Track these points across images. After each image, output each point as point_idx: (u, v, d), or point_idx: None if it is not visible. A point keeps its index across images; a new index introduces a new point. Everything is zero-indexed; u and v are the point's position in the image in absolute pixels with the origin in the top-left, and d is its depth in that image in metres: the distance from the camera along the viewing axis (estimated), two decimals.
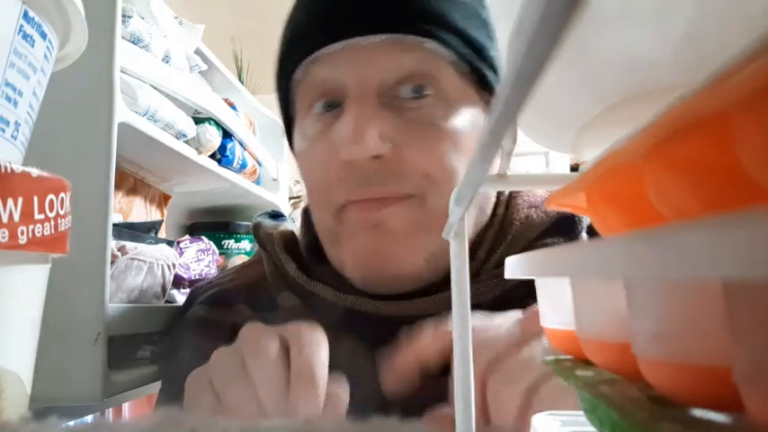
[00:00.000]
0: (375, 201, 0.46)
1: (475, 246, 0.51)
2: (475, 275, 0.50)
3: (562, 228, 0.51)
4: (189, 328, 0.55)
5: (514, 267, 0.20)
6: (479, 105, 0.49)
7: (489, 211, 0.53)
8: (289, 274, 0.54)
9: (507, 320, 0.38)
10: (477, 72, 0.48)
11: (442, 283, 0.48)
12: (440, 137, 0.46)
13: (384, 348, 0.47)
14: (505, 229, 0.52)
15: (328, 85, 0.47)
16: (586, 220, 0.52)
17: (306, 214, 0.57)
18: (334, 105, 0.48)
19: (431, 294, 0.48)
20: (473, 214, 0.51)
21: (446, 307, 0.47)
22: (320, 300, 0.51)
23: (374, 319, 0.48)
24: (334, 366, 0.41)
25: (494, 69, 0.49)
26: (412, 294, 0.48)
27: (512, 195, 0.55)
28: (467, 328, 0.25)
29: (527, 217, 0.52)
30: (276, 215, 0.65)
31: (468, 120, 0.48)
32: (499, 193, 0.55)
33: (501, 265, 0.50)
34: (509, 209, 0.53)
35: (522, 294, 0.47)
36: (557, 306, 0.21)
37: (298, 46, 0.48)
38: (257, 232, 0.60)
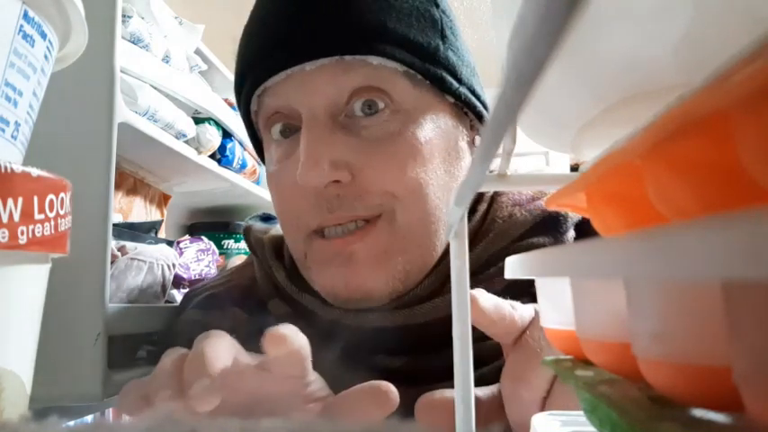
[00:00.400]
0: (346, 236, 0.46)
1: None
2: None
3: (547, 226, 0.50)
4: (182, 332, 0.55)
5: (514, 267, 0.20)
6: (439, 109, 0.48)
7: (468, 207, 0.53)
8: (277, 282, 0.54)
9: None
10: (431, 76, 0.47)
11: (424, 294, 0.48)
12: (398, 152, 0.45)
13: (372, 356, 0.47)
14: (487, 227, 0.51)
15: (282, 112, 0.48)
16: (573, 219, 0.51)
17: None
18: (292, 129, 0.48)
19: (412, 305, 0.47)
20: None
21: (431, 316, 0.47)
22: (307, 310, 0.51)
23: (360, 330, 0.48)
24: (326, 376, 0.40)
25: (449, 70, 0.48)
26: (396, 306, 0.48)
27: (496, 193, 0.54)
28: (467, 328, 0.25)
29: (510, 215, 0.52)
30: (267, 217, 0.65)
31: (428, 128, 0.47)
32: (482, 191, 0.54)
33: (480, 265, 0.49)
34: (492, 206, 0.53)
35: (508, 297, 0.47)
36: (557, 306, 0.21)
37: (246, 80, 0.49)
38: (248, 236, 0.60)
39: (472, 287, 0.47)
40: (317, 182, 0.44)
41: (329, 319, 0.50)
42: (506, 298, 0.45)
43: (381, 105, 0.46)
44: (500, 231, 0.50)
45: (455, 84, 0.48)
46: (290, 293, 0.52)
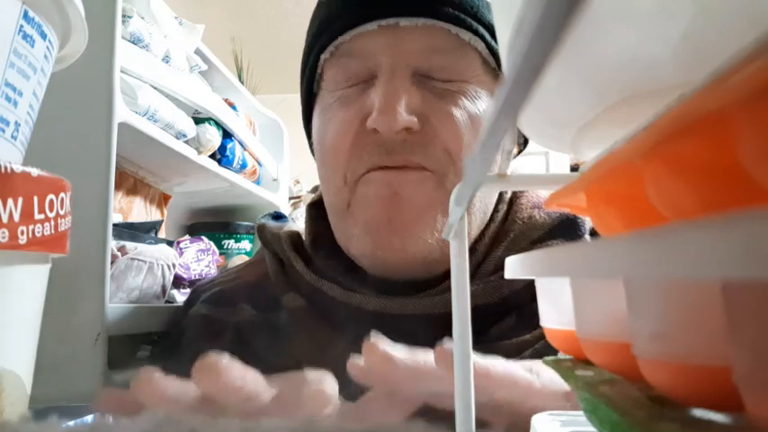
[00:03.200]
0: (396, 169, 0.47)
1: (474, 244, 0.51)
2: (472, 275, 0.50)
3: (565, 229, 0.51)
4: (191, 327, 0.55)
5: (514, 267, 0.20)
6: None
7: (489, 215, 0.53)
8: (295, 274, 0.54)
9: None
10: (501, 68, 0.49)
11: (447, 283, 0.48)
12: (463, 117, 0.47)
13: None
14: (507, 229, 0.52)
15: (361, 61, 0.49)
16: (589, 222, 0.52)
17: (311, 209, 0.58)
18: (358, 81, 0.49)
19: (436, 294, 0.48)
20: (478, 217, 0.51)
21: (451, 307, 0.46)
22: (327, 299, 0.51)
23: (381, 318, 0.48)
24: (340, 368, 0.40)
25: None
26: (417, 291, 0.48)
27: (515, 194, 0.55)
28: (467, 328, 0.25)
29: (530, 217, 0.53)
30: (278, 216, 0.65)
31: (484, 108, 0.49)
32: (502, 192, 0.55)
33: (500, 266, 0.50)
34: (512, 207, 0.54)
35: (524, 300, 0.47)
36: (557, 306, 0.21)
37: (331, 26, 0.50)
38: (262, 232, 0.60)
39: (494, 282, 0.48)
40: (392, 125, 0.45)
41: (349, 305, 0.50)
42: (526, 297, 0.45)
43: (456, 77, 0.48)
44: (519, 233, 0.51)
45: None
46: (310, 281, 0.52)
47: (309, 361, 0.39)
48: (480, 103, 0.49)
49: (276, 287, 0.55)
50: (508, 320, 0.48)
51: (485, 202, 0.52)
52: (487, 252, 0.51)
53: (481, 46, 0.48)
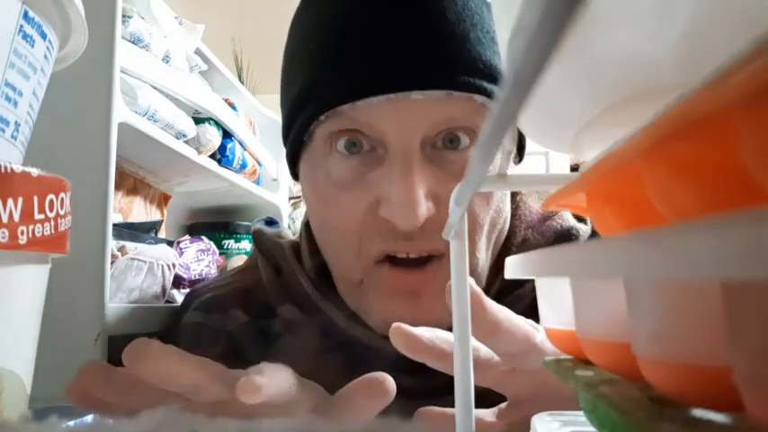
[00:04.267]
0: (418, 270, 0.45)
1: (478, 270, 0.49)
2: None
3: None
4: (184, 335, 0.55)
5: (514, 267, 0.20)
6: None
7: (507, 217, 0.51)
8: (294, 286, 0.53)
9: None
10: None
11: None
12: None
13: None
14: (504, 257, 0.50)
15: (365, 130, 0.45)
16: (585, 235, 0.51)
17: (309, 234, 0.54)
18: (359, 146, 0.45)
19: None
20: (498, 220, 0.49)
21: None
22: (327, 319, 0.50)
23: (379, 352, 0.47)
24: (333, 387, 0.40)
25: None
26: None
27: (511, 215, 0.53)
28: (467, 330, 0.25)
29: (524, 241, 0.51)
30: (271, 221, 0.64)
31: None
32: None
33: (499, 298, 0.49)
34: (509, 232, 0.52)
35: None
36: (557, 306, 0.21)
37: (334, 88, 0.44)
38: (260, 239, 0.59)
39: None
40: (417, 223, 0.42)
41: (347, 333, 0.49)
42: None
43: (466, 142, 0.45)
44: None
45: None
46: (315, 300, 0.51)
47: (304, 375, 0.40)
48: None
49: (270, 296, 0.55)
50: None
51: (497, 205, 0.49)
52: (488, 284, 0.50)
53: (491, 103, 0.45)
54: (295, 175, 0.54)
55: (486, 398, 0.37)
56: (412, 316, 0.45)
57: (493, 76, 0.44)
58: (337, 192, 0.46)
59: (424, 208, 0.42)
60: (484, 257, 0.49)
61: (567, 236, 0.51)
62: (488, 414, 0.39)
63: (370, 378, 0.36)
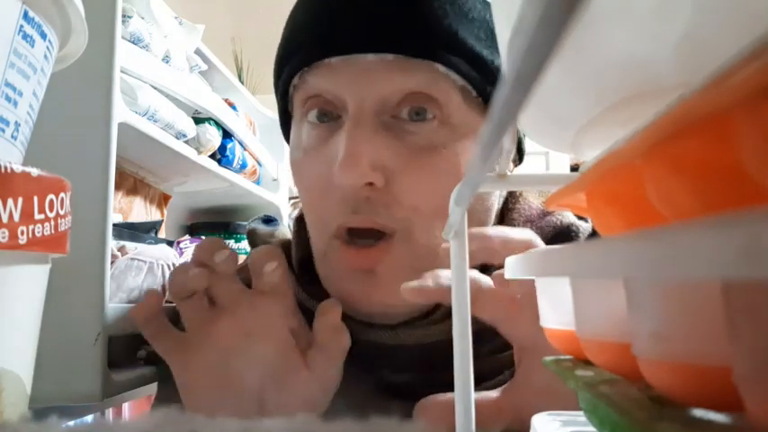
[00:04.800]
0: (368, 249, 0.45)
1: None
2: None
3: (559, 243, 0.50)
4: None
5: (514, 267, 0.20)
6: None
7: (494, 215, 0.51)
8: None
9: None
10: (485, 95, 0.45)
11: (438, 311, 0.47)
12: (438, 166, 0.44)
13: (377, 370, 0.47)
14: None
15: (326, 96, 0.45)
16: (585, 232, 0.51)
17: (298, 224, 0.55)
18: (330, 116, 0.46)
19: (428, 323, 0.47)
20: (483, 219, 0.49)
21: (444, 335, 0.46)
22: (313, 317, 0.50)
23: (368, 344, 0.47)
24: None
25: None
26: (408, 322, 0.47)
27: (506, 208, 0.53)
28: (467, 328, 0.25)
29: None
30: (269, 220, 0.64)
31: (469, 147, 0.46)
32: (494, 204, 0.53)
33: None
34: (504, 224, 0.52)
35: None
36: (557, 306, 0.21)
37: (297, 52, 0.46)
38: (253, 239, 0.59)
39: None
40: (354, 182, 0.42)
41: None
42: None
43: (431, 115, 0.44)
44: None
45: None
46: (301, 300, 0.51)
47: None
48: (462, 145, 0.45)
49: None
50: (496, 341, 0.47)
51: (482, 218, 0.49)
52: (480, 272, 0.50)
53: (456, 77, 0.43)
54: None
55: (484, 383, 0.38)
56: (367, 295, 0.46)
57: (457, 47, 0.43)
58: (303, 158, 0.48)
59: (365, 167, 0.42)
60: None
61: (566, 232, 0.50)
62: (493, 393, 0.39)
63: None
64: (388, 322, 0.47)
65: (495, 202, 0.52)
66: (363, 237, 0.45)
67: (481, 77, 0.45)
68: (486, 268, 0.50)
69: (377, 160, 0.43)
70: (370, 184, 0.43)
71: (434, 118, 0.44)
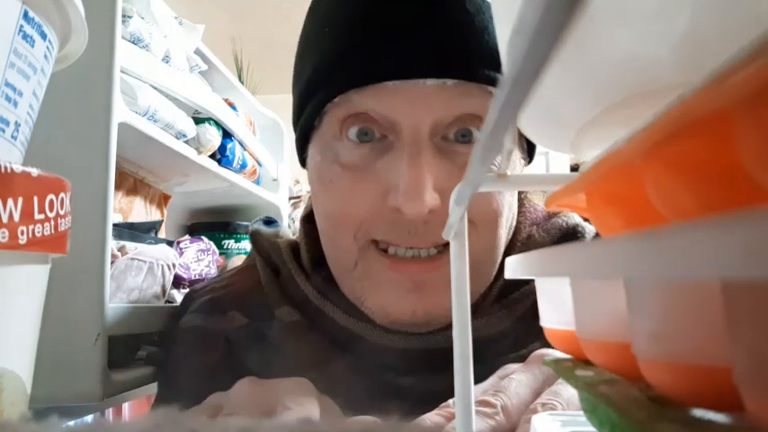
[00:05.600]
0: (421, 262, 0.44)
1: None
2: (476, 306, 0.48)
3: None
4: (183, 338, 0.55)
5: (514, 267, 0.20)
6: (522, 143, 0.48)
7: (515, 215, 0.51)
8: (293, 287, 0.53)
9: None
10: None
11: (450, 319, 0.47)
12: None
13: (386, 374, 0.47)
14: (508, 253, 0.50)
15: (375, 116, 0.44)
16: (590, 234, 0.51)
17: (306, 225, 0.55)
18: (371, 135, 0.45)
19: (440, 330, 0.47)
20: (507, 216, 0.49)
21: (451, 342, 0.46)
22: (327, 319, 0.50)
23: (382, 348, 0.47)
24: (334, 389, 0.40)
25: None
26: (430, 331, 0.47)
27: (517, 211, 0.53)
28: (467, 328, 0.25)
29: (528, 237, 0.51)
30: (270, 221, 0.64)
31: (515, 162, 0.46)
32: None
33: (502, 295, 0.49)
34: (514, 229, 0.52)
35: (535, 328, 0.46)
36: (557, 306, 0.21)
37: (349, 70, 0.44)
38: (257, 240, 0.58)
39: (497, 313, 0.47)
40: (421, 211, 0.42)
41: (348, 331, 0.49)
42: (530, 319, 0.44)
43: (477, 135, 0.44)
44: None
45: None
46: (313, 299, 0.51)
47: (307, 377, 0.40)
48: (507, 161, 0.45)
49: (269, 297, 0.54)
50: (503, 343, 0.47)
51: (509, 201, 0.48)
52: (492, 281, 0.50)
53: None
54: (302, 160, 0.53)
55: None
56: (413, 308, 0.45)
57: (499, 64, 0.44)
58: (344, 174, 0.46)
59: (431, 196, 0.42)
60: (501, 249, 0.49)
61: (572, 233, 0.51)
62: None
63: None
64: (420, 331, 0.47)
65: (515, 204, 0.51)
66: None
67: None
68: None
69: (436, 185, 0.43)
70: (430, 211, 0.43)
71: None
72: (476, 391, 0.35)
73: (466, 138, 0.45)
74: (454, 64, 0.42)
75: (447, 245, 0.44)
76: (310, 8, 0.51)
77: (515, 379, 0.35)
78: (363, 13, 0.45)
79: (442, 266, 0.44)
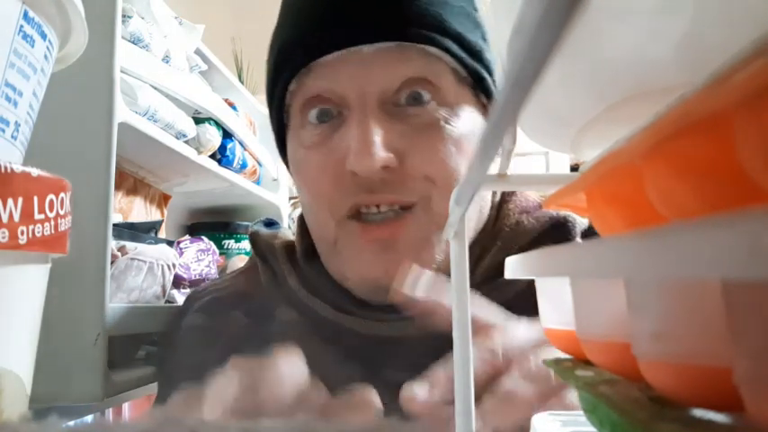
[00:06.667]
0: (387, 222, 0.46)
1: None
2: None
3: (554, 234, 0.50)
4: (184, 338, 0.55)
5: (515, 267, 0.20)
6: (477, 108, 0.49)
7: (486, 213, 0.52)
8: (288, 287, 0.53)
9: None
10: (475, 75, 0.48)
11: None
12: (442, 140, 0.46)
13: (381, 369, 0.47)
14: (494, 236, 0.51)
15: (326, 95, 0.47)
16: (581, 225, 0.51)
17: (302, 221, 0.56)
18: (329, 115, 0.47)
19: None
20: (473, 217, 0.50)
21: (444, 328, 0.46)
22: (318, 316, 0.51)
23: (372, 339, 0.48)
24: (327, 385, 0.41)
25: (489, 71, 0.49)
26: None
27: (503, 200, 0.54)
28: (467, 329, 0.25)
29: (517, 223, 0.51)
30: (271, 222, 0.64)
31: (468, 123, 0.47)
32: (492, 196, 0.54)
33: (489, 275, 0.49)
34: (499, 213, 0.53)
35: (521, 309, 0.46)
36: (557, 306, 0.21)
37: (293, 56, 0.47)
38: (256, 241, 0.59)
39: (481, 296, 0.47)
40: (372, 167, 0.44)
41: (340, 326, 0.49)
42: (517, 305, 0.44)
43: (427, 97, 0.46)
44: (507, 239, 0.50)
45: (492, 85, 0.49)
46: (302, 298, 0.52)
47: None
48: (461, 121, 0.47)
49: (269, 297, 0.55)
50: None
51: (479, 205, 0.51)
52: (475, 262, 0.50)
53: (449, 59, 0.46)
54: (287, 164, 0.55)
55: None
56: (385, 267, 0.46)
57: (445, 31, 0.45)
58: (308, 155, 0.48)
59: (381, 152, 0.43)
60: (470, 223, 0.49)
61: (562, 222, 0.51)
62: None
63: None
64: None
65: (488, 205, 0.53)
66: (378, 216, 0.46)
67: (470, 57, 0.47)
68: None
69: (388, 144, 0.44)
70: (385, 167, 0.44)
71: (432, 99, 0.46)
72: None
73: (417, 101, 0.46)
74: (386, 27, 0.44)
75: (409, 206, 0.46)
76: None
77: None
78: (295, 2, 0.49)
79: (408, 225, 0.46)
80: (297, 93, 0.48)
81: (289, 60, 0.48)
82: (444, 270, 0.47)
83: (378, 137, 0.44)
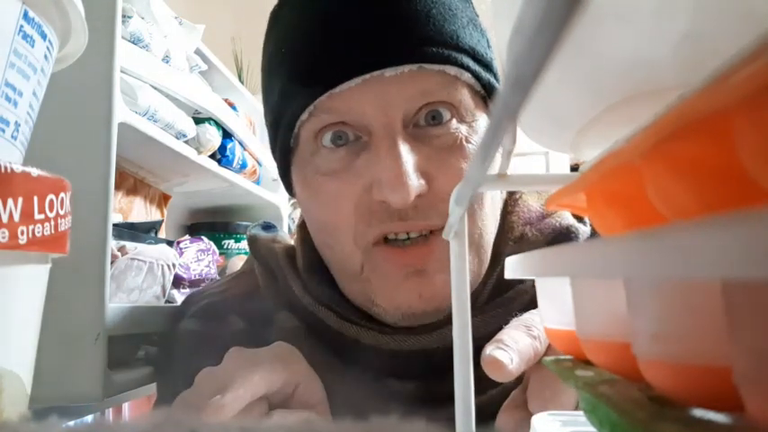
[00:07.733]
0: (417, 247, 0.45)
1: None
2: (471, 303, 0.48)
3: (558, 245, 0.50)
4: (180, 343, 0.54)
5: (515, 267, 0.20)
6: (487, 118, 0.49)
7: (498, 218, 0.52)
8: (290, 294, 0.53)
9: None
10: (488, 87, 0.47)
11: (444, 317, 0.47)
12: (465, 159, 0.45)
13: (383, 378, 0.47)
14: (499, 251, 0.50)
15: (345, 119, 0.45)
16: (584, 234, 0.51)
17: (302, 233, 0.55)
18: (345, 138, 0.46)
19: (434, 329, 0.47)
20: (493, 225, 0.49)
21: (448, 341, 0.46)
22: (323, 325, 0.50)
23: (376, 351, 0.47)
24: (331, 393, 0.40)
25: (498, 80, 0.48)
26: (416, 328, 0.47)
27: (506, 210, 0.53)
28: (467, 329, 0.25)
29: (521, 236, 0.51)
30: (268, 226, 0.64)
31: None
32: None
33: (496, 293, 0.49)
34: (504, 226, 0.52)
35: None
36: (557, 306, 0.21)
37: (308, 82, 0.45)
38: (255, 245, 0.58)
39: (491, 312, 0.48)
40: (408, 200, 0.42)
41: (343, 335, 0.49)
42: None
43: (447, 116, 0.45)
44: (512, 254, 0.50)
45: None
46: (306, 305, 0.51)
47: None
48: (479, 137, 0.46)
49: (268, 303, 0.54)
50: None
51: (494, 213, 0.49)
52: (484, 279, 0.50)
53: (466, 76, 0.45)
54: (288, 187, 0.54)
55: (486, 411, 0.37)
56: (419, 292, 0.45)
57: (460, 47, 0.45)
58: (327, 182, 0.47)
59: (415, 182, 0.43)
60: (488, 238, 0.49)
61: (565, 233, 0.51)
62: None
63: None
64: (431, 321, 0.47)
65: (499, 206, 0.52)
66: (408, 241, 0.46)
67: (484, 70, 0.47)
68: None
69: (418, 170, 0.44)
70: (418, 195, 0.43)
71: (451, 118, 0.46)
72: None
73: (436, 120, 0.46)
74: (406, 50, 0.44)
75: (438, 229, 0.45)
76: (264, 41, 0.52)
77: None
78: (309, 29, 0.47)
79: (437, 248, 0.45)
80: (309, 122, 0.46)
81: (302, 89, 0.46)
82: (472, 287, 0.47)
83: (409, 166, 0.43)
